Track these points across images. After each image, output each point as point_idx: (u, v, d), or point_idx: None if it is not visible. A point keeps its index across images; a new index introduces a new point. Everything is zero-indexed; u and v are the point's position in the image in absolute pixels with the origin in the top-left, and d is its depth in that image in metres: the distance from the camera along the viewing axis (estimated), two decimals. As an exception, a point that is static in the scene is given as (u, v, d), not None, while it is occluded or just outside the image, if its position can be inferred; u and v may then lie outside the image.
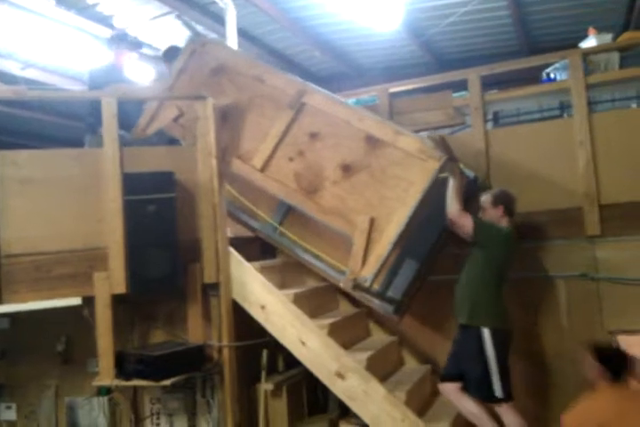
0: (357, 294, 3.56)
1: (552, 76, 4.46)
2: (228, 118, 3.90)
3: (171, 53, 4.96)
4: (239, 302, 3.46)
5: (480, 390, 3.21)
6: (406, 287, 3.58)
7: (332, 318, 3.69)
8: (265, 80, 3.91)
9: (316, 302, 3.86)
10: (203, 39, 4.47)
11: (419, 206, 3.24)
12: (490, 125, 4.66)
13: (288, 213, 3.97)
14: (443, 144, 3.34)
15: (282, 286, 3.78)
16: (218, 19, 6.15)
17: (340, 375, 3.16)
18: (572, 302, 3.77)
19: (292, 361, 3.52)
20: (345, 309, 4.19)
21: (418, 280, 3.66)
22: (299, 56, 7.76)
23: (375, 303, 3.56)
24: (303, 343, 3.28)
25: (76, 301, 3.25)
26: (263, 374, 3.54)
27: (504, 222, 3.44)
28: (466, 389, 3.27)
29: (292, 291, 3.65)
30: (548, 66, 4.56)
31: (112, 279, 3.27)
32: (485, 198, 3.50)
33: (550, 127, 4.12)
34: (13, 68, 6.68)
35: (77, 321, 3.34)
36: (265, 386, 3.53)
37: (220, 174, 3.57)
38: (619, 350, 3.09)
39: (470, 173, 3.84)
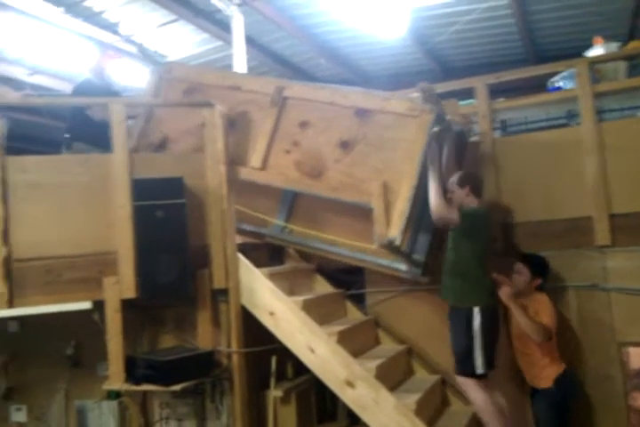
0: (385, 264, 3.60)
1: (558, 84, 4.48)
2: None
3: None
4: (248, 308, 3.46)
5: (462, 364, 3.25)
6: (427, 249, 3.63)
7: (342, 326, 3.68)
8: (241, 87, 4.02)
9: (324, 309, 3.85)
10: (167, 65, 4.56)
11: (424, 161, 3.35)
12: (497, 134, 4.66)
13: (292, 209, 4.01)
14: (430, 95, 3.42)
15: (290, 292, 3.78)
16: (224, 26, 6.19)
17: (350, 384, 3.15)
18: (582, 313, 3.76)
19: (300, 368, 3.51)
20: (354, 316, 4.18)
21: (435, 240, 3.68)
22: (305, 63, 7.81)
23: (403, 270, 3.59)
24: (312, 350, 3.27)
25: (86, 305, 3.25)
26: (272, 380, 3.53)
27: (472, 203, 3.45)
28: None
29: (300, 298, 3.64)
30: (554, 74, 4.59)
31: (122, 284, 3.28)
32: (452, 180, 3.53)
33: (559, 136, 4.12)
34: (21, 74, 6.73)
35: (87, 325, 3.35)
36: (274, 393, 3.52)
37: (228, 181, 3.58)
38: (544, 258, 3.64)
39: (457, 126, 3.87)
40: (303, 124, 3.78)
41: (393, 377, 3.61)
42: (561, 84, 4.51)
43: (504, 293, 3.34)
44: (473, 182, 3.49)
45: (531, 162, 4.04)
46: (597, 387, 3.71)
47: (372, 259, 3.68)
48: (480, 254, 3.36)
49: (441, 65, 7.83)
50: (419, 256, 3.58)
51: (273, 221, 4.05)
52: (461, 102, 4.52)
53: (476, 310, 3.24)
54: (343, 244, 3.76)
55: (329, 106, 3.73)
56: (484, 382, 3.25)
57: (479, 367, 3.20)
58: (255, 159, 3.83)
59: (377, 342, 4.11)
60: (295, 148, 3.77)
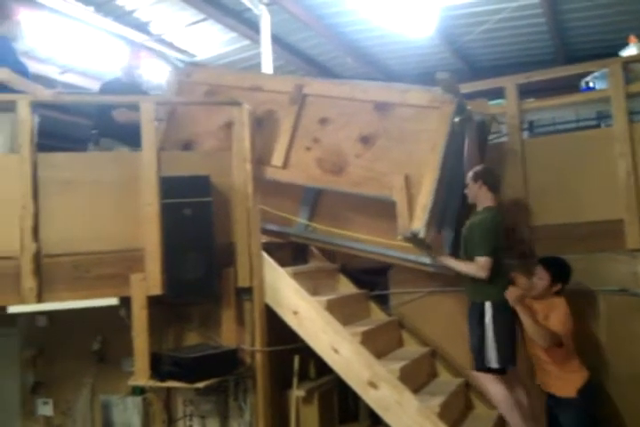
0: (411, 259, 3.60)
1: (591, 84, 4.41)
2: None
3: None
4: (272, 307, 3.47)
5: (477, 359, 3.28)
6: (452, 242, 3.64)
7: (365, 327, 3.67)
8: (262, 86, 4.05)
9: (348, 309, 3.84)
10: (186, 69, 4.60)
11: (446, 152, 3.34)
12: (525, 135, 4.60)
13: (315, 208, 4.05)
14: (450, 85, 3.42)
15: (314, 292, 3.77)
16: (252, 25, 6.21)
17: (373, 385, 3.14)
18: (611, 318, 3.68)
19: (323, 368, 3.50)
20: (377, 317, 4.16)
21: (458, 234, 3.68)
22: (331, 62, 7.79)
23: (428, 263, 3.57)
24: (335, 351, 3.27)
25: (112, 301, 3.28)
26: (295, 380, 3.53)
27: (486, 197, 3.42)
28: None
29: (324, 297, 3.65)
30: (585, 75, 4.51)
31: (148, 281, 3.30)
32: (469, 175, 3.51)
33: (589, 137, 4.05)
34: (52, 73, 6.84)
35: (113, 321, 3.39)
36: (297, 392, 3.52)
37: (254, 179, 3.59)
38: (564, 260, 3.49)
39: (478, 116, 3.86)
40: (323, 121, 3.81)
41: (416, 379, 3.59)
42: (593, 84, 4.43)
43: (510, 294, 3.26)
44: (487, 177, 3.45)
45: (560, 164, 3.98)
46: (627, 392, 3.63)
47: (398, 254, 3.69)
48: (494, 251, 3.33)
49: (469, 64, 7.76)
50: (444, 249, 3.58)
51: (297, 219, 4.07)
52: (490, 102, 4.47)
53: (488, 305, 3.27)
54: (368, 240, 3.76)
55: (348, 101, 3.75)
56: (502, 378, 3.25)
57: (492, 361, 3.21)
58: (277, 158, 3.85)
59: (400, 343, 4.09)
60: (316, 144, 3.79)
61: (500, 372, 3.25)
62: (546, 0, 5.85)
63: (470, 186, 3.47)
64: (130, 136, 3.82)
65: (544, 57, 7.35)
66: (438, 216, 3.49)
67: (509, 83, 4.21)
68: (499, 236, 3.37)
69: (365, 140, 3.64)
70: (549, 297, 3.45)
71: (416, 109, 3.51)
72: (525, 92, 4.36)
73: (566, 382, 3.34)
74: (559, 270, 3.46)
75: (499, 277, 3.31)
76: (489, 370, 3.25)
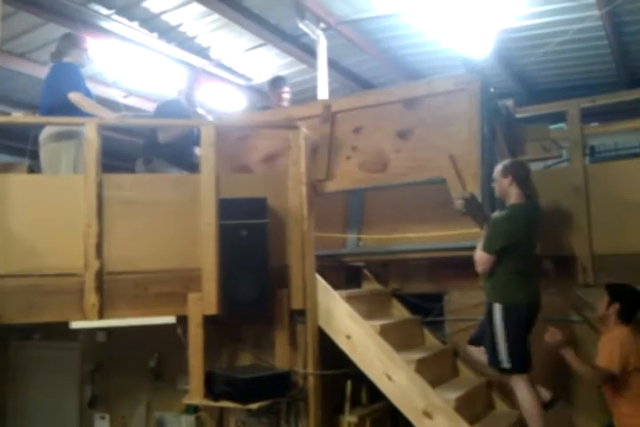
0: (469, 245, 3.55)
1: (658, 109, 4.27)
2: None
3: (275, 82, 5.16)
4: (325, 330, 3.45)
5: (491, 358, 3.31)
6: None
7: (420, 354, 3.60)
8: (292, 116, 4.14)
9: (402, 335, 3.78)
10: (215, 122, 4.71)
11: (483, 124, 3.43)
12: (587, 160, 4.46)
13: (362, 222, 4.22)
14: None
15: (367, 316, 3.71)
16: (309, 50, 6.32)
17: (428, 415, 3.06)
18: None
19: (375, 394, 3.44)
20: (431, 344, 4.08)
21: None
22: (387, 85, 7.80)
23: None
24: (389, 377, 3.21)
25: (170, 319, 3.34)
26: (347, 405, 3.48)
27: (513, 193, 3.34)
28: None
29: (378, 322, 3.60)
30: (652, 98, 4.35)
31: (205, 300, 3.35)
32: (497, 168, 3.43)
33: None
34: (117, 96, 7.12)
35: (170, 339, 3.43)
36: (348, 418, 3.46)
37: (309, 202, 3.61)
38: (633, 288, 3.33)
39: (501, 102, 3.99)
40: (357, 130, 3.91)
41: (472, 410, 3.48)
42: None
43: (551, 338, 3.15)
44: (517, 172, 3.37)
45: (626, 191, 3.82)
46: None
47: (454, 244, 3.76)
48: (515, 258, 3.26)
49: (526, 87, 7.64)
50: None
51: (347, 236, 4.21)
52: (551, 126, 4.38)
53: (497, 307, 3.25)
54: (421, 238, 3.88)
55: (377, 107, 3.87)
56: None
57: (504, 362, 3.21)
58: (320, 172, 3.89)
59: (456, 372, 3.98)
60: (354, 152, 3.88)
61: (516, 372, 3.23)
62: (609, 22, 5.73)
63: (499, 181, 3.40)
64: (179, 158, 3.91)
65: (605, 79, 7.16)
66: (488, 193, 3.47)
67: (573, 107, 4.12)
68: (515, 235, 3.27)
69: (403, 135, 3.73)
70: (612, 326, 3.27)
71: (445, 96, 3.63)
72: (585, 115, 4.26)
73: (623, 424, 3.14)
74: (615, 288, 3.32)
75: (514, 280, 3.26)
76: (499, 369, 3.26)
